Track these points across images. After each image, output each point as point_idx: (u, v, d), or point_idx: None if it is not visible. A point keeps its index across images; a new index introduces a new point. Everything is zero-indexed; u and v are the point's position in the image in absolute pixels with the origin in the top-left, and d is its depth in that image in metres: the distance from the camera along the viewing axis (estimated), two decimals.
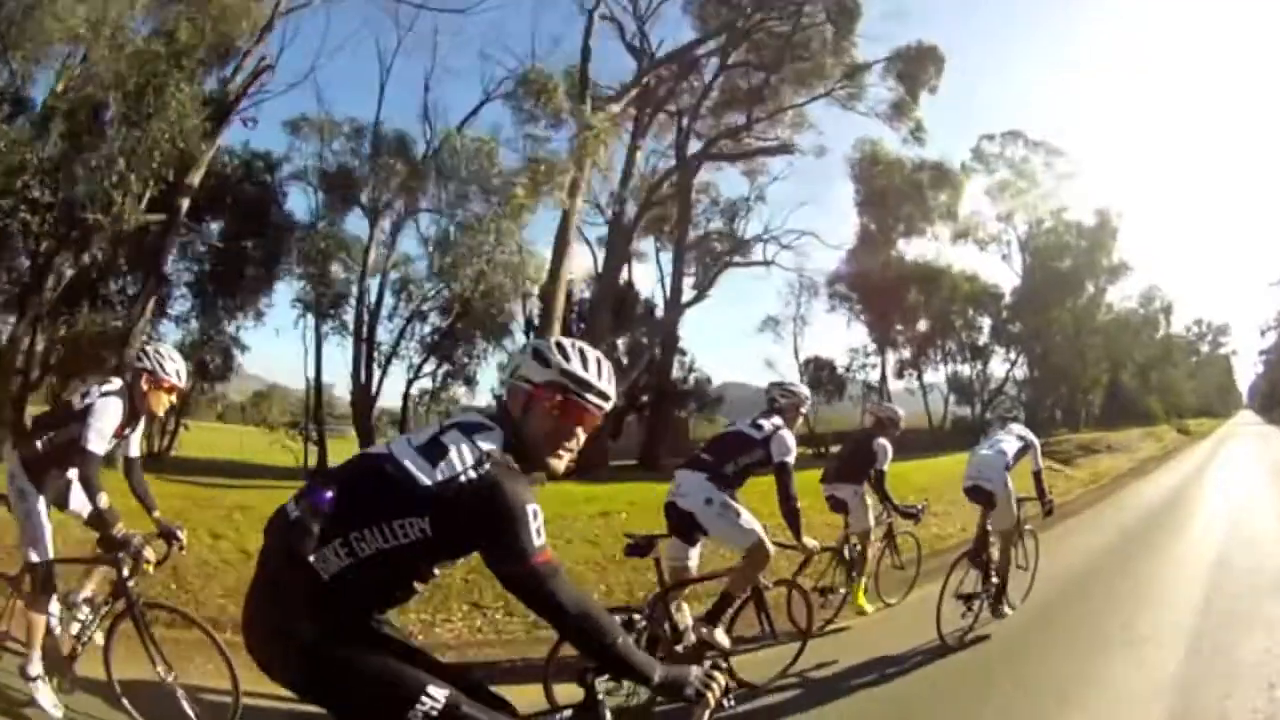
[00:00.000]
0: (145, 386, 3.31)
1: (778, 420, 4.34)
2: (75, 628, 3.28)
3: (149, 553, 3.08)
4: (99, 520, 3.07)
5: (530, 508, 1.51)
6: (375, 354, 15.56)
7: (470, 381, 17.09)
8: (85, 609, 3.29)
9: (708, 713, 1.62)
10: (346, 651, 1.55)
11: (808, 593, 4.57)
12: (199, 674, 2.84)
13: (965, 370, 31.00)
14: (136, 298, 12.66)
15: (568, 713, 1.75)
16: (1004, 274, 30.08)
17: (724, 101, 20.98)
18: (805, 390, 4.66)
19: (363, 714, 1.59)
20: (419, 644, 1.81)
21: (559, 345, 1.69)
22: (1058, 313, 29.02)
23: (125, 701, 3.13)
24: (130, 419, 3.29)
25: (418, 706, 1.52)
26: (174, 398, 3.47)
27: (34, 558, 3.20)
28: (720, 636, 3.92)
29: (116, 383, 3.28)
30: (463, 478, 1.53)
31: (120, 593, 3.13)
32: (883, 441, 5.60)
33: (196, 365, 13.82)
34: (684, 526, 4.15)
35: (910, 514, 5.63)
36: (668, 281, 21.52)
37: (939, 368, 31.04)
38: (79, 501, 3.19)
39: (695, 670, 1.61)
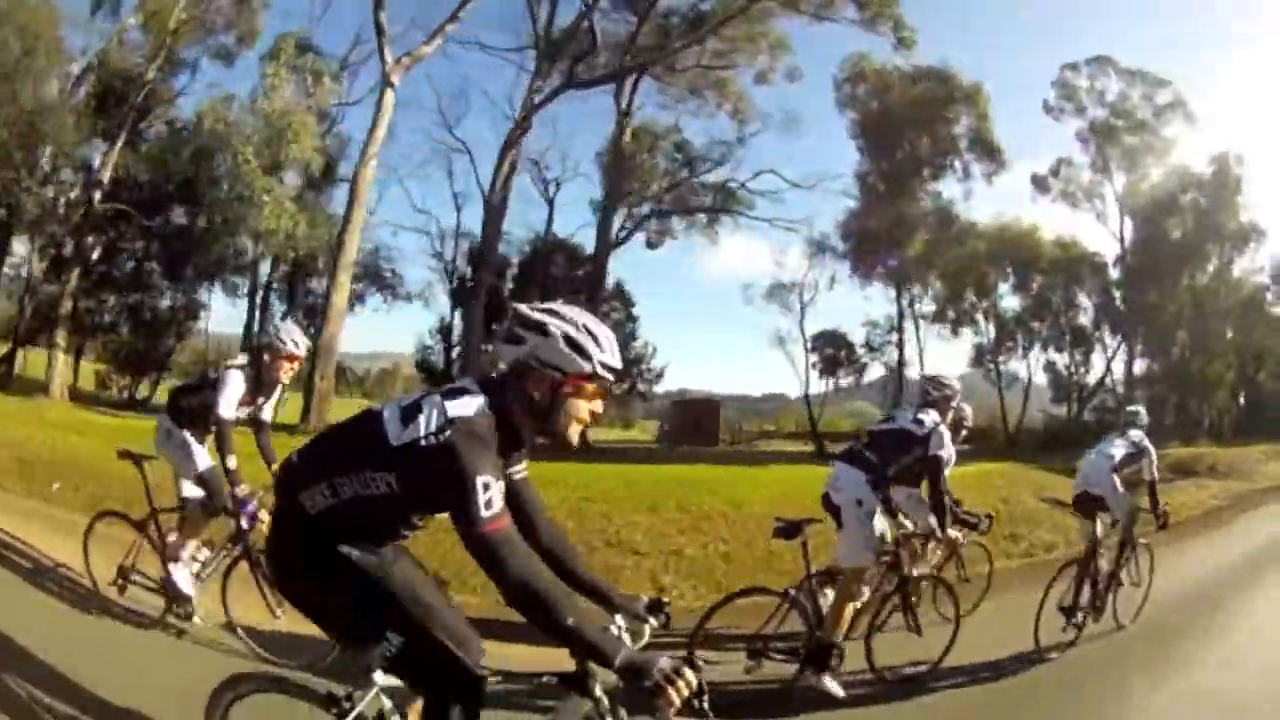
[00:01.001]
0: (268, 358, 4.84)
1: (935, 415, 5.32)
2: (195, 567, 4.82)
3: (264, 513, 4.45)
4: (227, 476, 4.56)
5: (481, 479, 2.03)
6: None
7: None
8: (205, 551, 4.93)
9: (672, 711, 1.97)
10: (328, 582, 2.30)
11: (952, 585, 5.72)
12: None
13: (1061, 360, 32.48)
14: None
15: (553, 679, 2.28)
16: (1103, 240, 31.23)
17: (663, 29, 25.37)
18: (957, 383, 5.61)
19: (339, 638, 2.48)
20: (419, 580, 2.56)
21: (590, 332, 2.22)
22: (1172, 289, 29.91)
23: (240, 633, 4.60)
24: (256, 389, 4.83)
25: (382, 644, 2.25)
26: (295, 366, 4.94)
27: (188, 493, 4.87)
28: (829, 685, 4.91)
29: (243, 358, 4.86)
30: (423, 440, 2.11)
31: (239, 540, 4.67)
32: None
33: None
34: (836, 519, 5.14)
35: (971, 524, 6.00)
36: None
37: (1026, 355, 32.55)
38: (201, 459, 4.79)
39: (664, 660, 1.98)
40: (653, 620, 2.70)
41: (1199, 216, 30.14)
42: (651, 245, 29.22)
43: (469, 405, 2.17)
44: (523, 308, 2.29)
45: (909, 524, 5.39)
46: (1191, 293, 30.28)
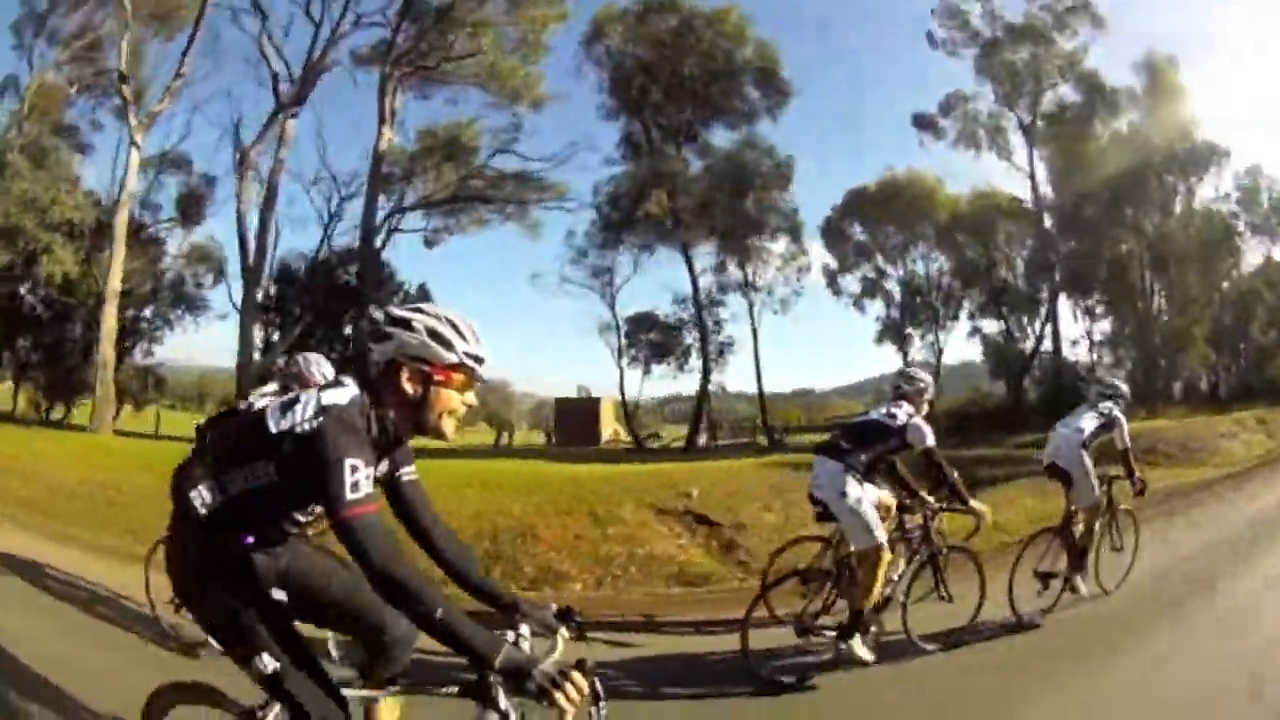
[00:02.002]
0: (297, 389, 5.49)
1: (909, 408, 7.18)
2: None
3: None
4: None
5: (349, 461, 2.61)
6: None
7: None
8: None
9: (568, 717, 2.38)
10: (211, 585, 2.94)
11: (977, 555, 7.57)
12: None
13: (990, 328, 36.01)
14: None
15: (454, 690, 2.74)
16: (1020, 185, 34.28)
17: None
18: (928, 377, 7.50)
19: (220, 642, 2.95)
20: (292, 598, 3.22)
21: (453, 325, 2.90)
22: (1113, 233, 33.07)
23: None
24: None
25: (255, 661, 2.82)
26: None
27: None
28: (859, 650, 6.91)
29: (272, 387, 5.96)
30: (298, 428, 2.75)
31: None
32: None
33: None
34: (827, 514, 6.98)
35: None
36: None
37: (936, 327, 36.40)
38: None
39: (547, 664, 2.46)
40: (564, 630, 3.22)
41: (1134, 140, 33.17)
42: (429, 244, 36.40)
43: (343, 395, 2.83)
44: (391, 308, 2.94)
45: (929, 498, 7.31)
46: (1140, 235, 33.31)
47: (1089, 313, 35.60)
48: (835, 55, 48.70)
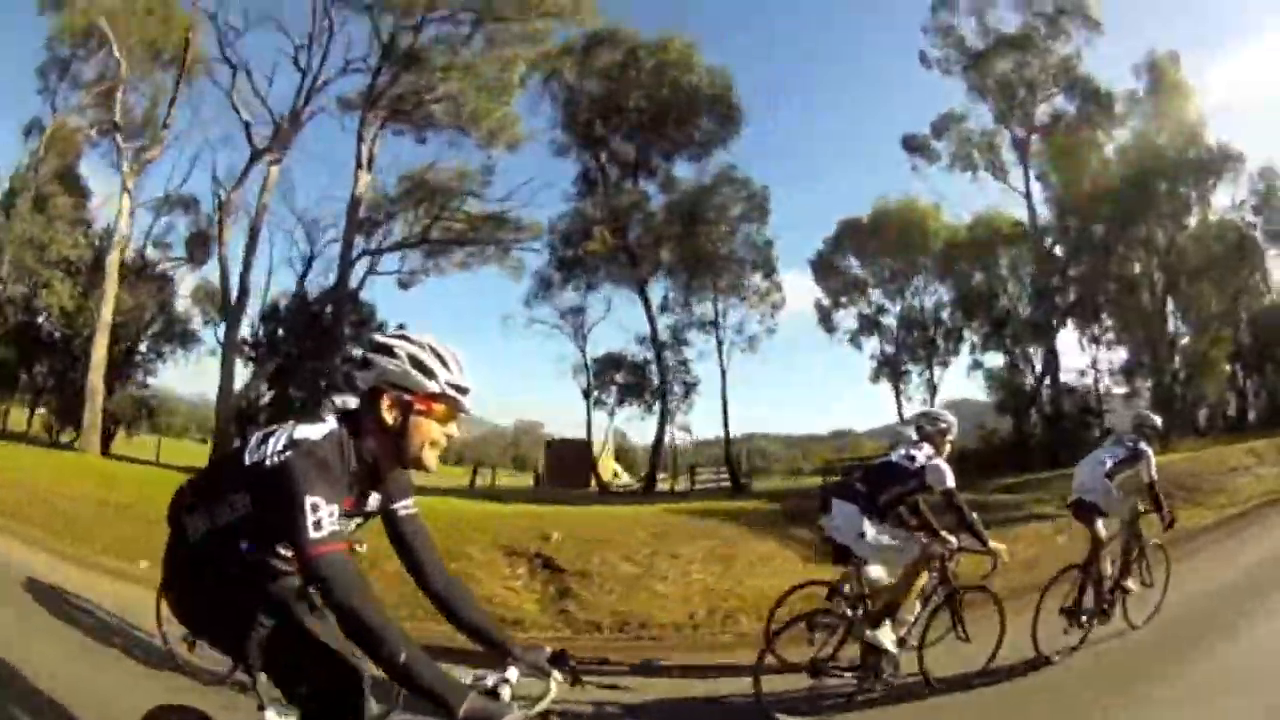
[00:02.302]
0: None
1: (929, 449, 7.35)
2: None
3: None
4: None
5: (310, 500, 2.64)
6: None
7: None
8: None
9: None
10: (216, 608, 3.16)
11: (996, 595, 7.57)
12: None
13: (993, 360, 35.34)
14: None
15: None
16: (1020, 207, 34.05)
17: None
18: (951, 418, 7.66)
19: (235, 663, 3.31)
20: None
21: (436, 354, 2.95)
22: (1120, 252, 32.19)
23: None
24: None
25: (258, 680, 3.13)
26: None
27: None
28: (884, 638, 6.92)
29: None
30: (268, 461, 2.80)
31: None
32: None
33: None
34: (842, 556, 7.20)
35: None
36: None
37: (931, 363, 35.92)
38: None
39: (516, 714, 2.58)
40: (557, 674, 3.15)
41: (1138, 148, 32.43)
42: (404, 286, 38.49)
43: (317, 430, 2.85)
44: (375, 335, 3.00)
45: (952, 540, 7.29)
46: (1151, 251, 32.44)
47: (1096, 340, 34.93)
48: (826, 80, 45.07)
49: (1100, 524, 8.40)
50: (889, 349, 37.57)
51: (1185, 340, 33.23)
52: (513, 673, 3.10)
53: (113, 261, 31.03)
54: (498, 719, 2.55)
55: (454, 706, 2.50)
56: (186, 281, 37.65)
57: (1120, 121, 33.41)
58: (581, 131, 36.55)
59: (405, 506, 3.29)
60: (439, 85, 34.54)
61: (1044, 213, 34.59)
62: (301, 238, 37.54)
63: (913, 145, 35.82)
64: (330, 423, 2.95)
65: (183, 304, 37.30)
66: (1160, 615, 8.76)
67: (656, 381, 37.90)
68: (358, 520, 3.22)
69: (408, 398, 2.94)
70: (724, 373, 37.22)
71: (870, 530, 7.04)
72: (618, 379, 38.85)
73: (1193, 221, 32.86)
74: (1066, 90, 33.64)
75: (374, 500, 3.18)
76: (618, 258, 36.57)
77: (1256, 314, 33.14)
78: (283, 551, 3.08)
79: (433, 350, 2.98)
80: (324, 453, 2.82)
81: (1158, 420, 8.95)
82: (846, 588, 7.75)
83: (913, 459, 7.32)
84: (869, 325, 38.16)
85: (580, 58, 35.66)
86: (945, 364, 36.77)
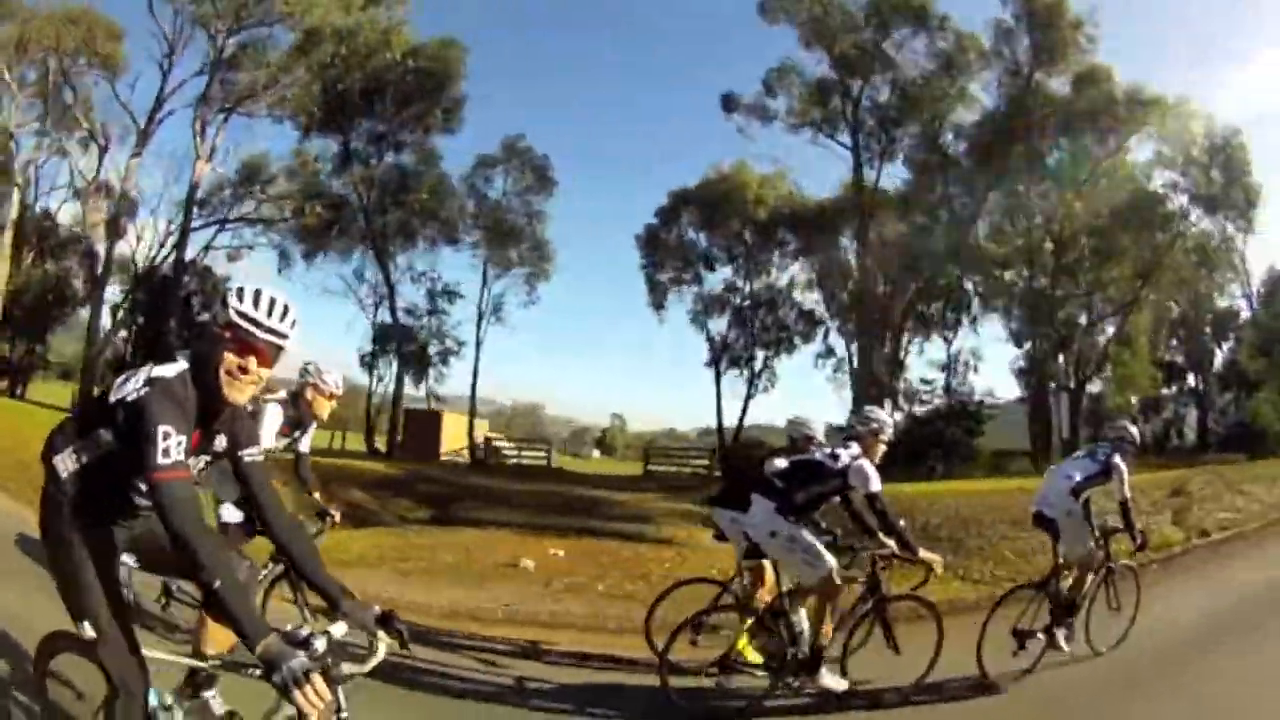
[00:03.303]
0: (310, 396, 7.41)
1: (856, 450, 7.33)
2: None
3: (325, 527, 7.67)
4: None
5: (162, 428, 3.20)
6: None
7: None
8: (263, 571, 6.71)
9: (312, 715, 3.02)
10: (62, 549, 3.56)
11: (935, 606, 7.57)
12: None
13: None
14: None
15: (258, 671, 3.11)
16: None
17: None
18: (884, 416, 7.64)
19: (63, 600, 3.62)
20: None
21: (240, 290, 3.48)
22: (996, 217, 30.82)
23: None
24: (296, 423, 7.42)
25: (82, 624, 3.52)
26: (334, 403, 7.66)
27: (227, 517, 6.74)
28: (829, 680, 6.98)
29: (282, 393, 7.38)
30: (129, 396, 3.39)
31: (280, 557, 6.16)
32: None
33: None
34: (754, 554, 7.54)
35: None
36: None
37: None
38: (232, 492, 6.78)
39: (298, 661, 2.94)
40: (383, 635, 3.51)
41: (1013, 91, 30.33)
42: (230, 259, 40.47)
43: (171, 369, 3.45)
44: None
45: (891, 544, 7.27)
46: (1031, 217, 30.31)
47: (950, 329, 33.69)
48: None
49: (1067, 538, 8.30)
50: (731, 333, 35.68)
51: (1090, 328, 31.23)
52: (339, 627, 3.47)
53: (5, 242, 35.51)
54: (282, 661, 2.87)
55: (253, 641, 2.94)
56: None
57: (988, 61, 31.21)
58: (329, 114, 39.24)
59: (250, 454, 3.75)
60: (263, 79, 37.36)
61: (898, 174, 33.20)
62: (164, 218, 40.79)
63: (733, 106, 34.12)
64: (181, 363, 3.48)
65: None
66: (1129, 642, 8.64)
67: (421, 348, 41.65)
68: (206, 459, 3.71)
69: (214, 329, 3.42)
70: (479, 343, 39.07)
71: (783, 529, 7.15)
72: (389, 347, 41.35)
73: (1104, 182, 30.33)
74: (914, 27, 31.54)
75: (220, 442, 3.69)
76: (337, 229, 39.44)
77: (1222, 316, 32.65)
78: (142, 486, 3.43)
79: (244, 291, 3.43)
80: (175, 388, 3.34)
81: (1135, 432, 8.67)
82: (736, 584, 8.34)
83: (836, 458, 7.36)
84: (711, 305, 35.83)
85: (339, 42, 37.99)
86: (789, 350, 35.38)
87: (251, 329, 3.33)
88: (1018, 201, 30.89)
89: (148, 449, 3.11)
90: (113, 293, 39.15)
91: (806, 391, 40.34)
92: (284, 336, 3.43)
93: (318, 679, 2.85)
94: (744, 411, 36.58)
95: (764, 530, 7.24)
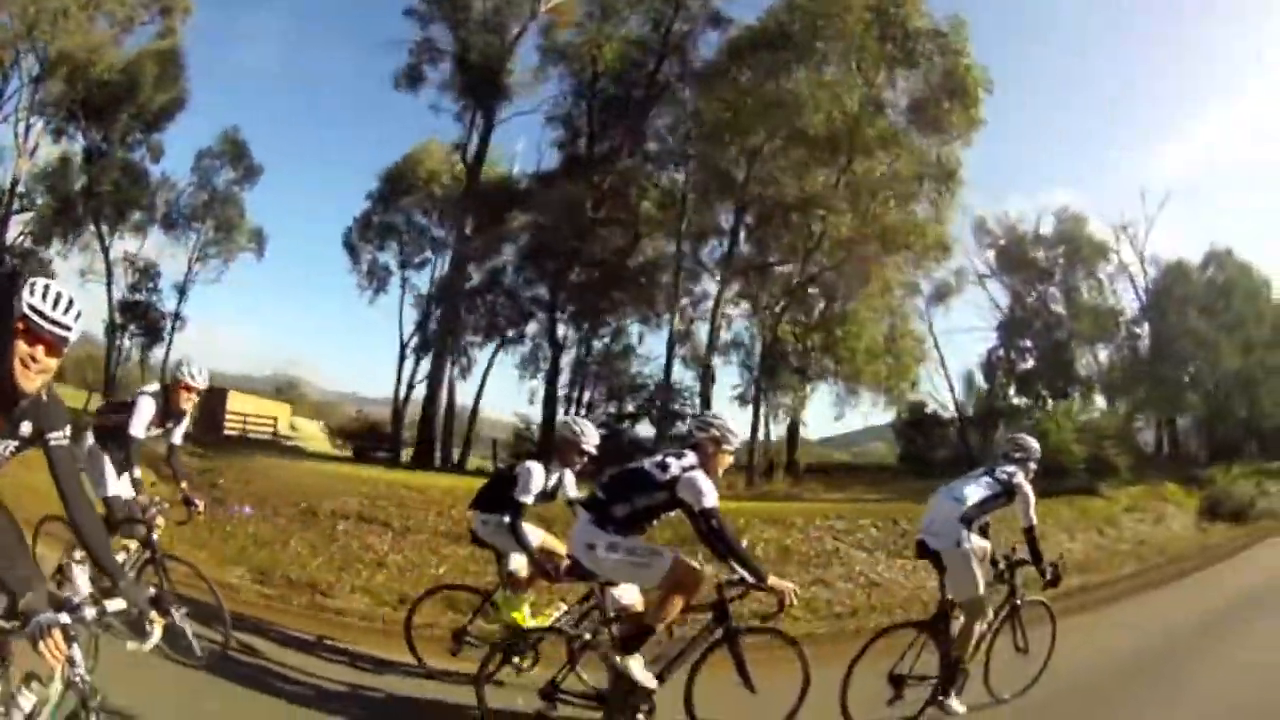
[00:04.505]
0: (173, 388, 8.00)
1: (690, 460, 6.40)
2: None
3: (160, 518, 7.53)
4: (134, 486, 7.68)
5: None
6: None
7: None
8: (121, 555, 7.51)
9: (59, 670, 3.53)
10: None
11: (797, 641, 6.58)
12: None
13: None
14: None
15: None
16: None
17: None
18: (727, 423, 6.65)
19: None
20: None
21: (32, 284, 3.72)
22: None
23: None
24: (165, 414, 7.94)
25: None
26: (194, 396, 8.07)
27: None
28: (636, 669, 6.14)
29: (155, 385, 8.21)
30: None
31: (147, 546, 7.54)
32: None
33: None
34: (579, 572, 6.88)
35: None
36: None
37: None
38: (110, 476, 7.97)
39: (45, 617, 3.38)
40: (154, 614, 3.96)
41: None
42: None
43: None
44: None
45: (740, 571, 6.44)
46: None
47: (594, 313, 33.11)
48: None
49: (953, 576, 7.15)
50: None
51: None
52: (117, 603, 3.81)
53: None
54: (30, 615, 3.39)
55: (16, 596, 3.60)
56: None
57: None
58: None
59: (55, 437, 3.98)
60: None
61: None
62: None
63: (401, 83, 34.10)
64: None
65: None
66: (1038, 690, 7.63)
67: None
68: (12, 445, 3.94)
69: (10, 321, 3.67)
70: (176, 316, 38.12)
71: (602, 539, 6.41)
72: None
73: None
74: None
75: (26, 427, 3.92)
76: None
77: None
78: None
79: (36, 284, 3.72)
80: None
81: (1035, 445, 7.58)
82: (499, 595, 8.04)
83: (665, 467, 6.41)
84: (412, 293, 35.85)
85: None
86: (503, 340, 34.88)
87: (40, 320, 3.65)
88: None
89: None
90: None
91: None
92: (67, 329, 3.74)
93: (57, 633, 3.35)
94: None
95: (580, 544, 6.58)
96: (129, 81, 39.00)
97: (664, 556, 6.34)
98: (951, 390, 34.26)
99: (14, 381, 3.66)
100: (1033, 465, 7.63)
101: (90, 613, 3.68)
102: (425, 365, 34.69)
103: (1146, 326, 35.34)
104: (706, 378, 31.17)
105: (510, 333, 34.65)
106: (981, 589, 7.14)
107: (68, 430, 4.47)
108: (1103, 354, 36.19)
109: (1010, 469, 7.50)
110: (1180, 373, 32.85)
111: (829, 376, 32.67)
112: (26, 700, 3.93)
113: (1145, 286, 35.52)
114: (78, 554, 7.27)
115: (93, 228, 39.02)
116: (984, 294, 35.33)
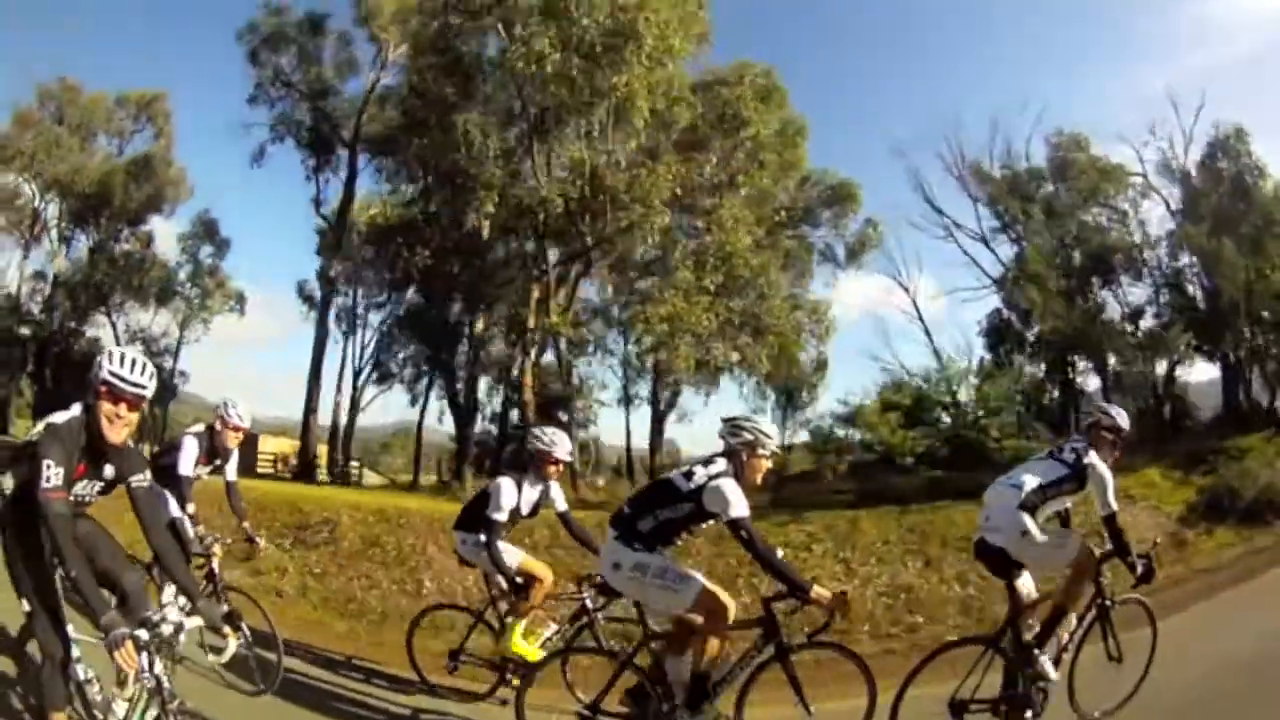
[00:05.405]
0: (219, 428, 8.62)
1: (718, 467, 6.08)
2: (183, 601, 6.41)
3: (217, 548, 8.20)
4: (190, 520, 8.30)
5: (46, 460, 4.59)
6: None
7: None
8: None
9: (131, 678, 4.60)
10: (5, 545, 5.02)
11: (859, 657, 6.11)
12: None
13: None
14: None
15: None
16: None
17: None
18: (762, 426, 6.22)
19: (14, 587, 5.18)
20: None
21: (110, 353, 4.93)
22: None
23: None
24: (212, 453, 8.67)
25: (22, 601, 4.91)
26: (240, 435, 8.76)
27: None
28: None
29: (200, 426, 8.98)
30: (32, 437, 4.98)
31: (208, 575, 8.19)
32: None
33: None
34: (612, 591, 6.97)
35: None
36: None
37: None
38: (174, 508, 8.41)
39: (120, 631, 4.19)
40: (229, 631, 4.85)
41: None
42: None
43: (63, 416, 4.91)
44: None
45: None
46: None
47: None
48: None
49: (1023, 578, 6.52)
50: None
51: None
52: (194, 620, 4.73)
53: None
54: (108, 629, 4.16)
55: (98, 615, 4.25)
56: None
57: None
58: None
59: (138, 479, 5.04)
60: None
61: None
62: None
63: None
64: (75, 410, 4.90)
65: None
66: (1137, 703, 6.70)
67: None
68: (99, 485, 5.05)
69: (94, 385, 4.79)
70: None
71: (628, 559, 6.17)
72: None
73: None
74: None
75: (109, 471, 5.02)
76: None
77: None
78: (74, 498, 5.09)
79: (113, 353, 4.88)
80: (62, 430, 4.77)
81: (1120, 416, 6.62)
82: (490, 613, 8.32)
83: (690, 475, 6.13)
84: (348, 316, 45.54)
85: None
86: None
87: (121, 384, 4.74)
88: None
89: (36, 474, 4.51)
90: None
91: None
92: (145, 388, 4.84)
93: (129, 645, 4.14)
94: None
95: (607, 563, 6.37)
96: (103, 192, 46.36)
97: (693, 583, 6.07)
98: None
99: (102, 436, 4.73)
100: (1109, 438, 6.63)
101: (168, 628, 4.55)
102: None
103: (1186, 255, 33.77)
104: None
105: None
106: (1076, 544, 6.34)
107: (148, 473, 5.41)
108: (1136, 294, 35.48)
109: (1079, 444, 6.63)
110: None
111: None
112: (120, 706, 4.90)
113: (1178, 208, 33.98)
114: (157, 575, 7.58)
115: (102, 308, 47.51)
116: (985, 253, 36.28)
